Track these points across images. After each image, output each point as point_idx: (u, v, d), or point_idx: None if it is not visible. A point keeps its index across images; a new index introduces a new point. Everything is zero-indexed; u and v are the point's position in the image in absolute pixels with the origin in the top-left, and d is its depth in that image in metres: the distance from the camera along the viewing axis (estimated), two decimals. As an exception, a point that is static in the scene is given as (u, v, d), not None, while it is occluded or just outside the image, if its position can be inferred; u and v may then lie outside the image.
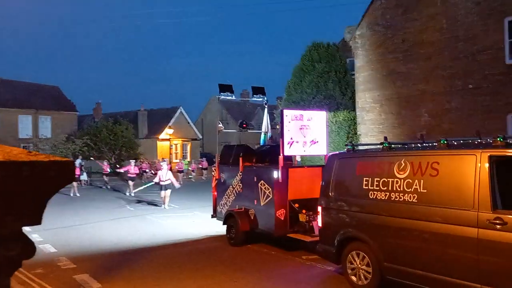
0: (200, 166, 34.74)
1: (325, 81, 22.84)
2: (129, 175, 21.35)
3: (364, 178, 6.63)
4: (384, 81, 15.79)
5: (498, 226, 4.99)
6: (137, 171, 22.32)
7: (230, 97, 11.72)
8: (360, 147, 8.22)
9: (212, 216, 11.38)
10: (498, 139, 5.37)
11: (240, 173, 10.07)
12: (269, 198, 9.05)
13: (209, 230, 11.73)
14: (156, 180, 16.74)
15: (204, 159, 36.96)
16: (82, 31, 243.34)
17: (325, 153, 9.73)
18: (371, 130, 15.33)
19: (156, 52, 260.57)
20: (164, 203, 16.34)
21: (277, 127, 29.44)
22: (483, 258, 5.11)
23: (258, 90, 12.26)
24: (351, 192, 6.95)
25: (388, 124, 15.39)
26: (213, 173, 11.51)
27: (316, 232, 8.38)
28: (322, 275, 7.85)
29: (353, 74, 18.20)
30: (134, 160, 24.33)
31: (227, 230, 10.26)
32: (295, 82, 23.23)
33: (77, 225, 13.14)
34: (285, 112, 9.40)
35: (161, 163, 18.92)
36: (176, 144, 43.40)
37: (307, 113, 9.71)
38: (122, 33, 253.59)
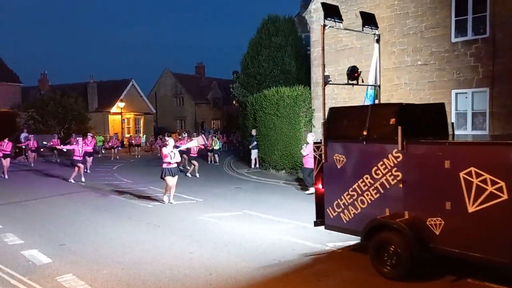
0: (133, 141, 31.04)
1: (282, 55, 22.88)
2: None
3: None
4: (338, 56, 16.03)
5: None
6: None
7: (338, 27, 7.98)
8: None
9: (316, 224, 7.60)
10: None
11: (398, 154, 6.33)
12: (499, 199, 5.52)
13: (280, 236, 8.32)
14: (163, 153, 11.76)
15: (137, 134, 34.12)
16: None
17: None
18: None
19: (105, 22, 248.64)
20: (167, 194, 11.85)
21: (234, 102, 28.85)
22: None
23: (369, 19, 8.54)
24: None
25: (340, 99, 15.73)
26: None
27: None
28: None
29: (309, 49, 18.32)
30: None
31: (376, 252, 6.44)
32: (252, 56, 23.10)
33: (24, 200, 12.64)
34: None
35: (167, 138, 14.56)
36: (128, 118, 42.21)
37: None
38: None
